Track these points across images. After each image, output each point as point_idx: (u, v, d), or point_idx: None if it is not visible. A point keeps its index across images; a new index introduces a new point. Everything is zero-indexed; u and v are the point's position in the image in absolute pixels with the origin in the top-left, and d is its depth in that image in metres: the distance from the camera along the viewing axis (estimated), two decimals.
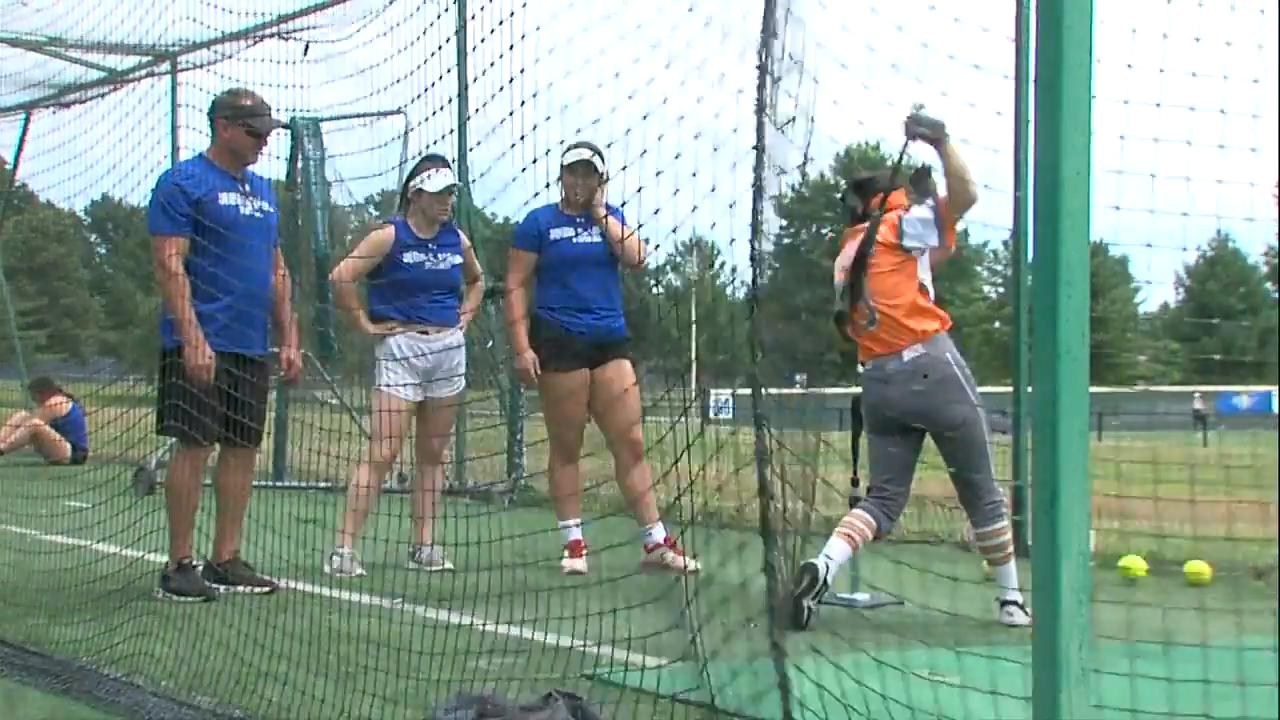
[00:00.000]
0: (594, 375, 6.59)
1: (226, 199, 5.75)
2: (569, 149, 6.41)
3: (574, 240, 6.61)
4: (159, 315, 5.90)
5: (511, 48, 4.13)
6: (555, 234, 6.60)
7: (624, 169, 3.92)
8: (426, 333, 6.68)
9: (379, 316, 6.75)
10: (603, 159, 6.44)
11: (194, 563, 5.71)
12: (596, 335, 6.58)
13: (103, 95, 11.84)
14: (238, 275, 5.65)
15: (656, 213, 3.87)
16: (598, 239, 6.59)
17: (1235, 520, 6.15)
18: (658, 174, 3.78)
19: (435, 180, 6.68)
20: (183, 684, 3.88)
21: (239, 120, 5.81)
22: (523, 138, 4.05)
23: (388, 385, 6.61)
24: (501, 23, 4.13)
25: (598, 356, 6.58)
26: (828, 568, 4.99)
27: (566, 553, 6.49)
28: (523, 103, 4.06)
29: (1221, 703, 3.28)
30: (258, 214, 5.87)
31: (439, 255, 6.79)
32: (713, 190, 3.64)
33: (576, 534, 6.61)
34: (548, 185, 4.39)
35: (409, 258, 6.71)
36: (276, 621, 4.25)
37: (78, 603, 4.55)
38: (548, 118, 4.16)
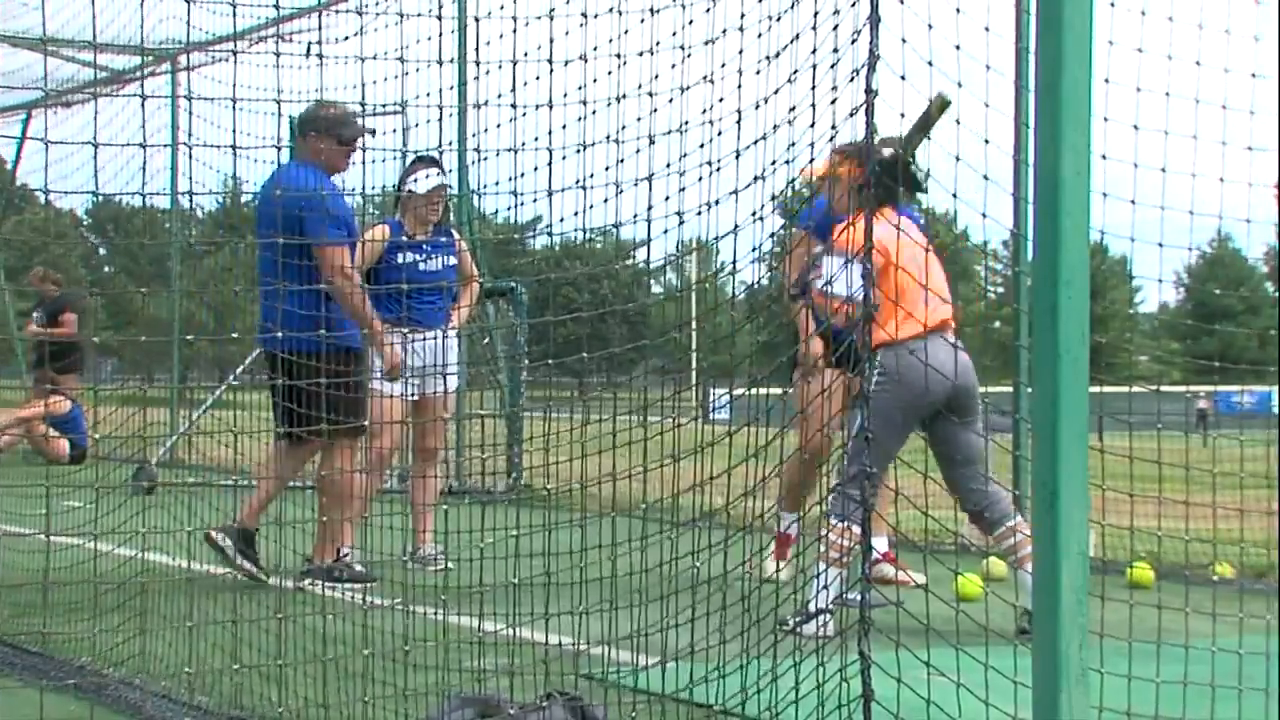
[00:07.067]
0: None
1: None
2: None
3: None
4: (261, 319, 5.90)
5: (515, 30, 4.13)
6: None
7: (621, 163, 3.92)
8: (418, 333, 6.68)
9: None
10: None
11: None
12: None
13: (102, 95, 11.85)
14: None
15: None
16: None
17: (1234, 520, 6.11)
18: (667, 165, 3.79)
19: (424, 182, 6.70)
20: (183, 684, 3.87)
21: (330, 131, 5.92)
22: (520, 146, 4.04)
23: (381, 385, 6.60)
24: (504, 7, 4.14)
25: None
26: (822, 598, 4.84)
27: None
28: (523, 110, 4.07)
29: (1219, 705, 3.28)
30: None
31: (432, 256, 6.79)
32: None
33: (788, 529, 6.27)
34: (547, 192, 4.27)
35: (402, 258, 6.71)
36: (275, 622, 4.24)
37: (78, 603, 4.54)
38: (538, 107, 4.15)
